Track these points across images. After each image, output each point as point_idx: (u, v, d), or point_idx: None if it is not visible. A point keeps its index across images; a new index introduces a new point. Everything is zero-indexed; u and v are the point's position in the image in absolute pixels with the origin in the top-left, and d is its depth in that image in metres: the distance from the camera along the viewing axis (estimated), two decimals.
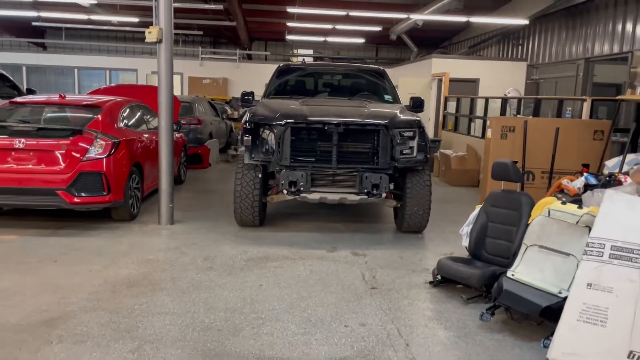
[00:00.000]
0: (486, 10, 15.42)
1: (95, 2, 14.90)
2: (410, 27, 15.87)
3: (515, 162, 6.76)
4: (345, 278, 4.95)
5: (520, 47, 14.97)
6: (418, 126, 6.20)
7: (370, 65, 8.64)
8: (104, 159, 6.17)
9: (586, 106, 7.12)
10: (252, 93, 7.48)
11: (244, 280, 4.79)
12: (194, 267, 5.12)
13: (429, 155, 6.27)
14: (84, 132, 6.17)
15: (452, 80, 13.82)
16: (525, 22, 13.32)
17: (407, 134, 6.12)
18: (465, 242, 5.00)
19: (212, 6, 14.18)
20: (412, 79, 14.82)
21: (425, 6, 14.12)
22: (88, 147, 6.12)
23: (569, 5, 12.00)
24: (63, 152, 6.02)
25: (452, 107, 13.24)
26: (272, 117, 6.09)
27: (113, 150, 6.27)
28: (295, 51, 21.95)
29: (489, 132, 6.72)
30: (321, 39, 20.57)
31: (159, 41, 6.30)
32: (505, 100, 9.82)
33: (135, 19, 17.18)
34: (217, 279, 4.80)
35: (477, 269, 4.53)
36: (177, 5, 14.09)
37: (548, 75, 13.74)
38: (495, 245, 4.78)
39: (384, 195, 6.04)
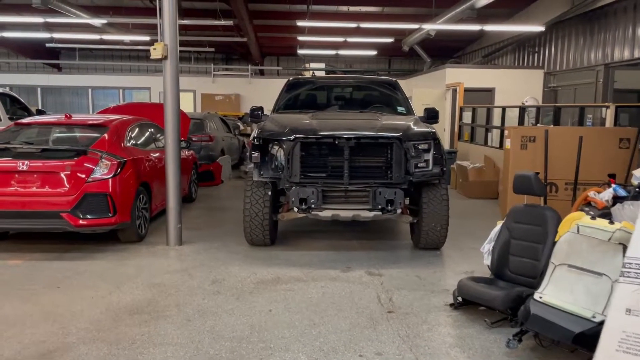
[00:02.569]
0: (500, 18, 15.14)
1: (106, 21, 14.95)
2: (423, 38, 15.66)
3: (537, 173, 6.48)
4: (360, 301, 4.67)
5: (536, 54, 14.65)
6: (433, 138, 5.94)
7: (382, 77, 8.40)
8: (110, 180, 6.00)
9: (610, 113, 6.80)
10: (261, 108, 7.28)
11: (252, 305, 4.54)
12: (200, 291, 4.89)
13: (445, 168, 6.00)
14: (88, 152, 6.02)
15: (466, 90, 13.53)
16: (541, 28, 13.01)
17: (421, 146, 5.86)
18: (487, 261, 4.70)
19: (222, 22, 14.13)
20: (426, 90, 14.57)
21: (438, 16, 13.90)
22: (93, 167, 5.96)
23: (586, 11, 11.68)
24: (67, 173, 5.87)
25: (467, 117, 12.94)
26: (281, 132, 5.88)
27: (119, 170, 6.11)
28: (307, 65, 21.89)
29: (507, 143, 6.42)
30: (333, 52, 20.45)
31: (164, 58, 6.15)
32: (523, 109, 9.50)
33: (147, 38, 17.23)
34: (224, 304, 4.55)
35: (501, 290, 4.23)
36: (187, 22, 14.12)
37: (566, 82, 13.38)
38: (520, 264, 4.47)
39: (399, 211, 5.76)
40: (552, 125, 6.37)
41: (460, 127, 12.94)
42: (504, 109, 10.17)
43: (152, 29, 17.06)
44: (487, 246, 4.72)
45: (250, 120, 7.35)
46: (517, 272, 4.49)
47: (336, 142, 5.64)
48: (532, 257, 4.39)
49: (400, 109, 7.18)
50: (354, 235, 7.06)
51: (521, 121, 9.48)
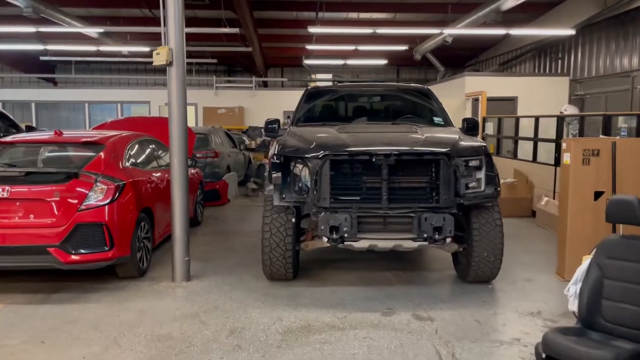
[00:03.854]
0: (522, 23, 14.31)
1: (102, 30, 14.14)
2: (437, 46, 14.86)
3: (601, 192, 5.62)
4: (416, 358, 3.76)
5: (559, 60, 13.85)
6: (485, 153, 5.08)
7: (412, 84, 7.56)
8: (106, 207, 5.12)
9: None
10: (277, 121, 6.43)
11: None
12: (217, 345, 3.98)
13: (499, 189, 5.12)
14: (80, 175, 5.14)
15: (487, 100, 12.70)
16: (572, 32, 12.20)
17: (472, 163, 4.99)
18: (573, 306, 3.78)
19: (227, 30, 13.34)
20: (444, 100, 13.70)
21: (455, 22, 13.11)
22: (86, 192, 5.08)
23: (618, 13, 10.88)
24: (56, 200, 4.98)
25: (489, 127, 12.09)
26: (306, 148, 5.01)
27: (117, 195, 5.22)
28: (313, 76, 21.13)
29: (566, 157, 5.55)
30: (340, 62, 19.65)
31: (169, 64, 5.30)
32: (561, 119, 8.65)
33: (146, 49, 16.42)
34: None
35: (601, 347, 3.31)
36: (191, 30, 13.27)
37: (595, 90, 12.57)
38: (617, 311, 3.57)
39: (448, 240, 4.87)
40: (618, 137, 5.52)
41: (483, 138, 12.09)
42: (537, 118, 9.31)
43: (151, 40, 16.27)
44: (573, 288, 3.81)
45: (266, 134, 6.50)
46: (613, 321, 3.58)
47: (373, 160, 4.76)
48: (635, 303, 3.49)
49: (436, 119, 6.32)
50: (385, 264, 6.16)
51: (559, 132, 8.62)
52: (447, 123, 6.21)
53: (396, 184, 4.84)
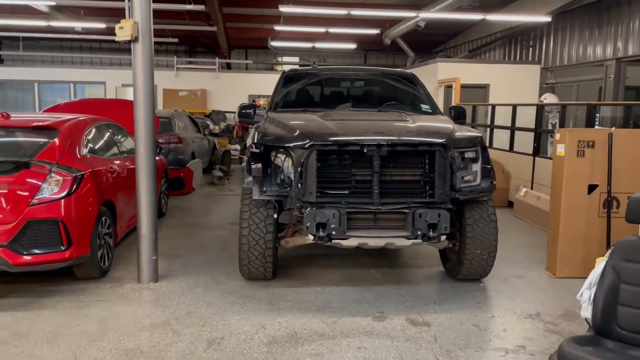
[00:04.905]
0: (496, 8, 14.06)
1: (54, 3, 13.08)
2: (409, 30, 14.50)
3: (595, 186, 5.40)
4: None
5: (530, 48, 13.73)
6: (481, 144, 4.75)
7: (397, 69, 7.16)
8: (62, 201, 4.52)
9: None
10: (253, 106, 5.93)
11: None
12: None
13: (494, 182, 4.81)
14: (32, 165, 4.52)
15: (460, 87, 12.48)
16: (547, 19, 12.04)
17: (468, 155, 4.65)
18: (587, 313, 3.49)
19: (191, 7, 12.55)
20: None
21: (427, 6, 12.77)
22: (39, 184, 4.47)
23: (595, 0, 10.76)
24: (3, 193, 4.36)
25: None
26: (289, 137, 4.55)
27: (74, 188, 4.63)
28: (279, 59, 20.47)
29: (560, 149, 5.29)
30: (308, 44, 19.07)
31: (134, 39, 4.70)
32: (541, 108, 8.46)
33: (102, 25, 15.41)
34: None
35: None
36: (156, 6, 12.44)
37: (567, 78, 12.51)
38: (635, 319, 3.30)
39: (443, 238, 4.52)
40: (614, 128, 5.28)
41: None
42: (515, 106, 9.11)
43: (107, 16, 15.27)
44: (587, 293, 3.52)
45: (240, 121, 5.99)
46: (630, 329, 3.31)
47: (364, 150, 4.35)
48: None
49: (424, 107, 5.95)
50: (370, 261, 5.79)
51: (539, 122, 8.44)
52: (435, 111, 5.86)
53: (388, 177, 4.44)
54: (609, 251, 3.54)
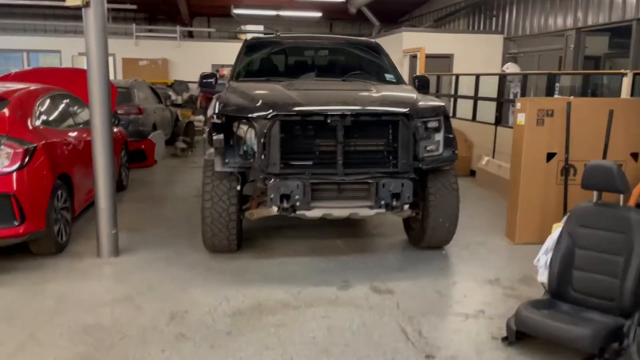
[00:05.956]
0: None
1: None
2: None
3: (554, 154, 5.51)
4: (382, 339, 3.45)
5: (494, 18, 13.79)
6: (444, 114, 4.76)
7: (361, 38, 7.07)
8: (14, 174, 4.34)
9: (627, 82, 5.93)
10: (214, 75, 5.78)
11: (237, 358, 3.20)
12: (157, 335, 3.46)
13: (457, 152, 4.85)
14: None
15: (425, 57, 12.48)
16: None
17: (431, 124, 4.67)
18: (543, 277, 3.62)
19: None
20: None
21: None
22: None
23: None
24: None
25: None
26: (252, 107, 4.46)
27: (27, 160, 4.45)
28: (243, 27, 19.97)
29: (520, 118, 5.36)
30: (273, 13, 18.64)
31: (86, 4, 4.47)
32: (503, 78, 8.54)
33: None
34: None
35: (584, 325, 3.14)
36: None
37: (528, 48, 12.65)
38: (589, 282, 3.43)
39: (406, 207, 4.55)
40: (573, 97, 5.37)
41: None
42: (477, 76, 9.17)
43: None
44: (544, 258, 3.62)
45: (201, 90, 5.83)
46: (584, 292, 3.45)
47: (327, 120, 4.30)
48: (607, 274, 3.36)
49: (388, 76, 5.91)
50: (334, 231, 5.81)
51: (501, 91, 8.53)
52: (400, 81, 5.83)
53: (352, 147, 4.42)
54: (565, 217, 3.64)
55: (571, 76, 10.10)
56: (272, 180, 4.29)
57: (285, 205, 4.32)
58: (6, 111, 4.69)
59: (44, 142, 4.77)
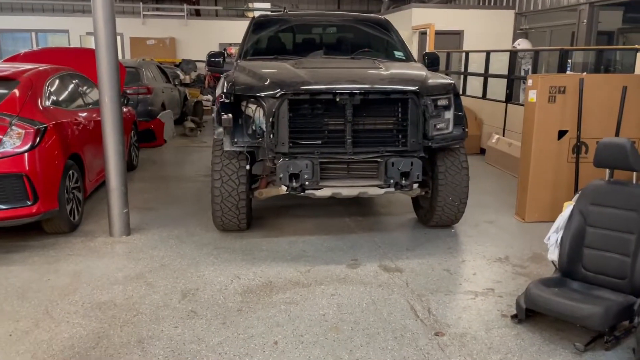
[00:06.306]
0: None
1: None
2: None
3: (565, 131, 5.45)
4: (391, 316, 3.48)
5: None
6: (454, 92, 4.71)
7: (369, 15, 6.97)
8: (25, 154, 4.38)
9: None
10: (222, 54, 5.75)
11: (247, 334, 3.24)
12: (169, 312, 3.52)
13: (466, 130, 4.82)
14: None
15: (435, 33, 12.30)
16: None
17: (441, 102, 4.63)
18: (554, 255, 3.61)
19: None
20: None
21: None
22: (0, 138, 4.30)
23: None
24: None
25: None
26: (260, 86, 4.44)
27: (38, 140, 4.49)
28: (250, 5, 19.79)
29: (532, 95, 5.29)
30: None
31: None
32: (514, 54, 8.41)
33: None
34: (207, 336, 3.23)
35: (595, 303, 3.14)
36: None
37: (540, 24, 12.42)
38: (600, 260, 3.42)
39: (415, 186, 4.55)
40: (585, 73, 5.29)
41: None
42: (488, 53, 9.04)
43: None
44: (554, 236, 3.61)
45: (209, 69, 5.81)
46: (595, 270, 3.44)
47: (336, 99, 4.27)
48: (618, 252, 3.35)
49: (397, 54, 5.84)
50: (343, 210, 5.82)
51: (512, 68, 8.41)
52: (409, 58, 5.76)
53: (361, 125, 4.40)
54: (577, 195, 3.62)
55: (584, 52, 9.92)
56: (281, 159, 4.30)
57: (294, 184, 4.33)
58: (16, 92, 4.70)
59: (54, 122, 4.80)
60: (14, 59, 7.71)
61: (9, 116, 4.43)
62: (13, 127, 4.38)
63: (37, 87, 4.95)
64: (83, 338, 3.19)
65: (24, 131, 4.40)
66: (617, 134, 5.11)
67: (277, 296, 3.76)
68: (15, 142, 4.36)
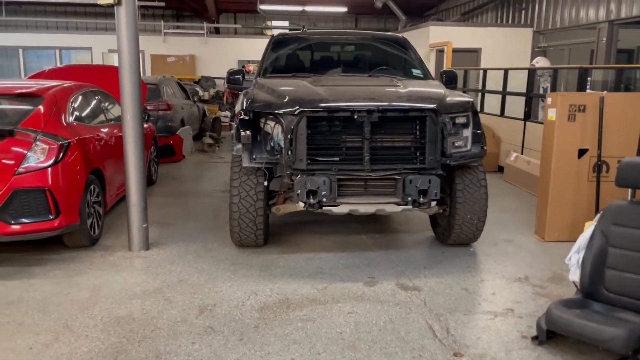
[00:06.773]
0: None
1: None
2: None
3: (585, 150, 5.40)
4: (409, 335, 3.45)
5: (523, 11, 13.53)
6: (472, 109, 4.71)
7: (387, 33, 7.03)
8: (49, 169, 4.47)
9: None
10: (241, 72, 5.83)
11: (265, 352, 3.24)
12: (186, 328, 3.53)
13: (485, 147, 4.80)
14: (16, 133, 4.44)
15: (452, 51, 12.33)
16: None
17: (459, 120, 4.62)
18: (575, 276, 3.56)
19: None
20: None
21: None
22: (24, 153, 4.41)
23: None
24: None
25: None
26: (279, 103, 4.48)
27: (61, 156, 4.57)
28: (268, 23, 20.06)
29: (551, 113, 5.26)
30: (298, 8, 18.67)
31: (117, 3, 4.55)
32: (532, 72, 8.39)
33: None
34: (224, 353, 3.23)
35: (618, 325, 3.08)
36: None
37: (558, 42, 12.39)
38: (622, 281, 3.36)
39: (433, 204, 4.53)
40: (606, 92, 5.26)
41: None
42: (506, 71, 9.03)
43: None
44: (575, 257, 3.57)
45: (229, 87, 5.90)
46: (617, 291, 3.38)
47: (354, 116, 4.29)
48: None
49: (415, 72, 5.87)
50: (360, 227, 5.81)
51: (530, 86, 8.38)
52: (427, 76, 5.78)
53: (379, 143, 4.41)
54: (598, 215, 3.58)
55: (603, 70, 9.86)
56: (299, 176, 4.32)
57: (311, 201, 4.34)
58: (41, 108, 4.82)
59: (77, 137, 4.90)
60: (38, 75, 7.90)
61: (34, 132, 4.52)
62: (37, 143, 4.48)
63: (61, 104, 5.07)
64: (102, 352, 3.21)
65: (48, 146, 4.50)
66: (638, 154, 5.04)
67: (294, 313, 3.76)
68: (39, 157, 4.45)
